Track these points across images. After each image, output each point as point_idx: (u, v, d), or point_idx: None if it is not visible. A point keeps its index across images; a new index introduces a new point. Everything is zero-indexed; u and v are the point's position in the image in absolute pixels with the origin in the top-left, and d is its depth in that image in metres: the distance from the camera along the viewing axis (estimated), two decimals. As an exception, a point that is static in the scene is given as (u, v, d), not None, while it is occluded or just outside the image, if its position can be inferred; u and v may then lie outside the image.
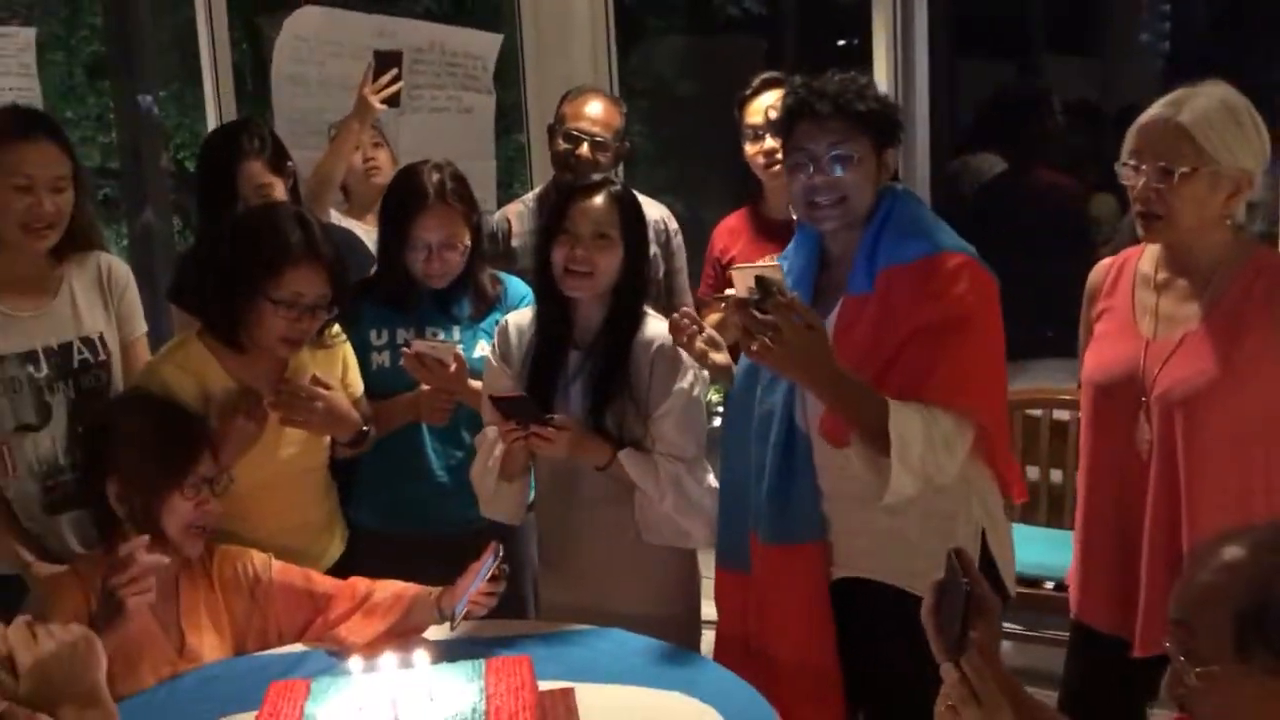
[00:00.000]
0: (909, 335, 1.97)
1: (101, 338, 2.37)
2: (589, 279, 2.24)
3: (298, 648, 2.10)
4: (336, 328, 2.42)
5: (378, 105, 3.12)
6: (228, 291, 2.25)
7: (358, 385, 2.47)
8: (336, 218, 3.00)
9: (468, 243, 2.50)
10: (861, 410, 1.93)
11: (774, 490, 2.09)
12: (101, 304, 2.40)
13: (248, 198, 2.66)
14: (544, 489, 2.39)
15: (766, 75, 3.00)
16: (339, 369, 2.44)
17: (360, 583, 2.20)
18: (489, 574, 2.05)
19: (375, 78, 3.13)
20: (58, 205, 2.25)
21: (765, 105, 2.91)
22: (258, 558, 2.20)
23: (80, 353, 2.34)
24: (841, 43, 6.29)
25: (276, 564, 2.20)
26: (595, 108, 3.06)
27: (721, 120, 3.22)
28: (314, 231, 2.28)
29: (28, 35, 3.25)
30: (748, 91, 3.00)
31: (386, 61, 3.19)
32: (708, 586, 2.38)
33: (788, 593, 2.10)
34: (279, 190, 2.70)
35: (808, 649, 2.09)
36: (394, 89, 3.16)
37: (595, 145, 3.02)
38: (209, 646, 2.09)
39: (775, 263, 2.02)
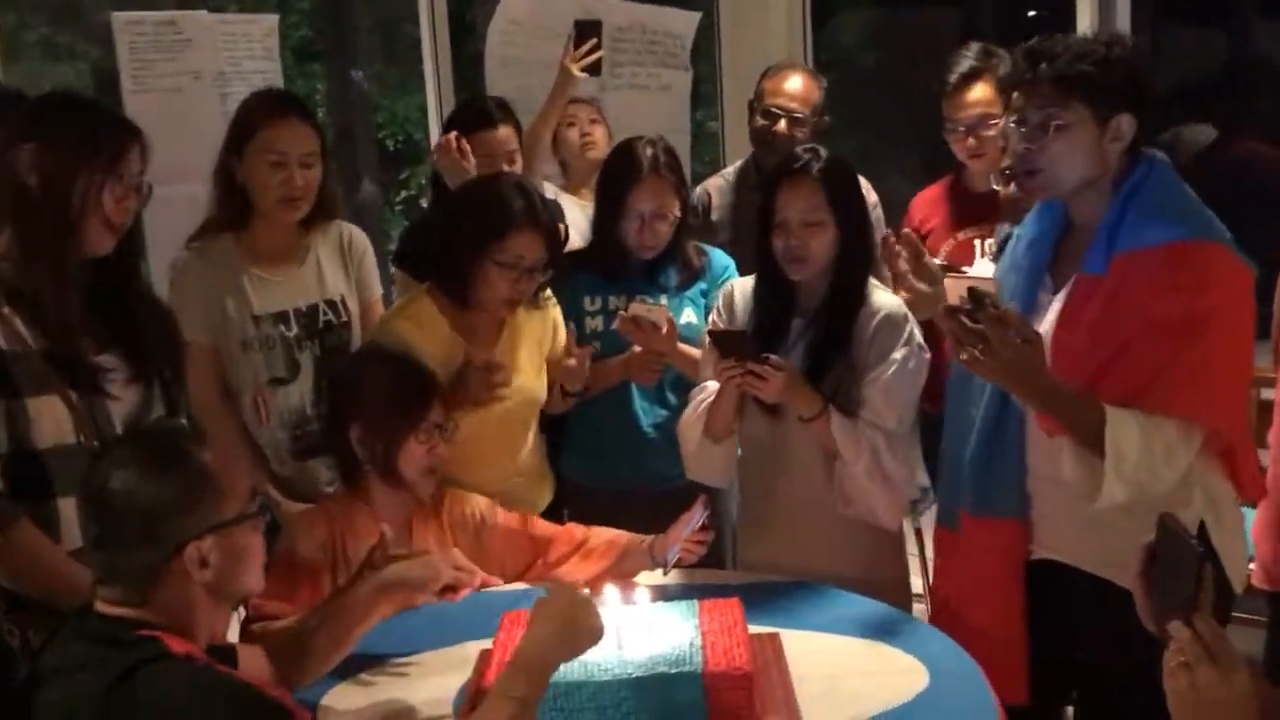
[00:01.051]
0: (1142, 330, 1.88)
1: (343, 300, 2.59)
2: (804, 264, 2.31)
3: (521, 586, 2.27)
4: (548, 291, 2.58)
5: (578, 74, 3.24)
6: (457, 254, 2.42)
7: (561, 344, 2.62)
8: (552, 191, 3.15)
9: (677, 214, 2.62)
10: (1075, 418, 1.88)
11: (978, 461, 2.09)
12: (343, 270, 2.62)
13: (496, 162, 2.82)
14: (749, 454, 2.46)
15: (972, 63, 2.89)
16: (549, 328, 2.60)
17: (576, 528, 2.35)
18: (699, 524, 2.17)
19: (576, 47, 3.25)
20: (308, 179, 2.47)
21: (973, 100, 2.87)
22: (482, 501, 2.36)
23: (325, 314, 2.56)
24: (1032, 13, 6.14)
25: (500, 509, 2.37)
26: (794, 83, 3.13)
27: (910, 93, 3.22)
28: (534, 199, 2.44)
29: (271, 22, 3.54)
30: (952, 78, 2.90)
31: (586, 31, 3.30)
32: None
33: (983, 563, 2.11)
34: (520, 160, 2.90)
35: (997, 621, 2.10)
36: (594, 57, 3.27)
37: (793, 121, 3.09)
38: None
39: (992, 278, 2.02)
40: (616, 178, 2.63)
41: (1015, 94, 2.02)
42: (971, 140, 2.88)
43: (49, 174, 1.90)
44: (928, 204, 3.12)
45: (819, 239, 2.29)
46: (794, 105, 3.09)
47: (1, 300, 1.89)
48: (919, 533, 3.45)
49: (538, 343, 2.58)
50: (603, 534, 2.31)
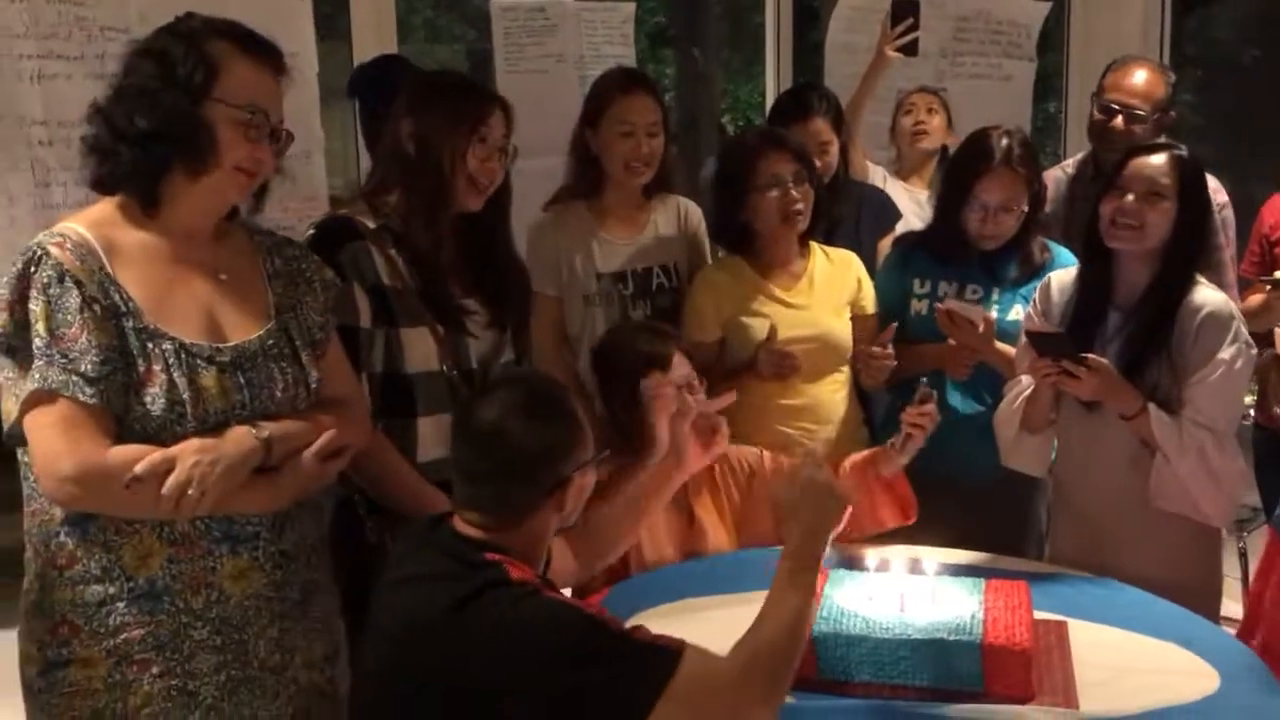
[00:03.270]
0: None
1: (675, 266, 2.80)
2: (1136, 233, 2.25)
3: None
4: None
5: (891, 54, 3.27)
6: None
7: (869, 304, 2.72)
8: (881, 177, 3.23)
9: (1024, 208, 2.60)
10: None
11: None
12: (679, 239, 2.83)
13: (774, 130, 2.92)
14: (1065, 446, 2.45)
15: None
16: (852, 280, 2.73)
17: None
18: (920, 398, 2.25)
19: (893, 25, 3.28)
20: (653, 148, 2.69)
21: None
22: (751, 452, 2.47)
23: (658, 277, 2.78)
24: None
25: (768, 454, 2.47)
26: (1137, 78, 3.03)
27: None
28: None
29: (628, 9, 3.81)
30: None
31: (903, 10, 3.32)
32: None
33: None
34: (835, 149, 3.00)
35: None
36: (909, 38, 3.27)
37: (1131, 117, 3.00)
38: (711, 524, 2.40)
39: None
40: (966, 165, 2.64)
41: None
42: None
43: (424, 142, 2.18)
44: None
45: (1156, 211, 2.25)
46: (1134, 101, 3.00)
47: (389, 243, 2.19)
48: (1243, 554, 3.28)
49: (838, 288, 2.71)
50: (852, 459, 2.40)
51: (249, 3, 3.01)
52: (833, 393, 2.69)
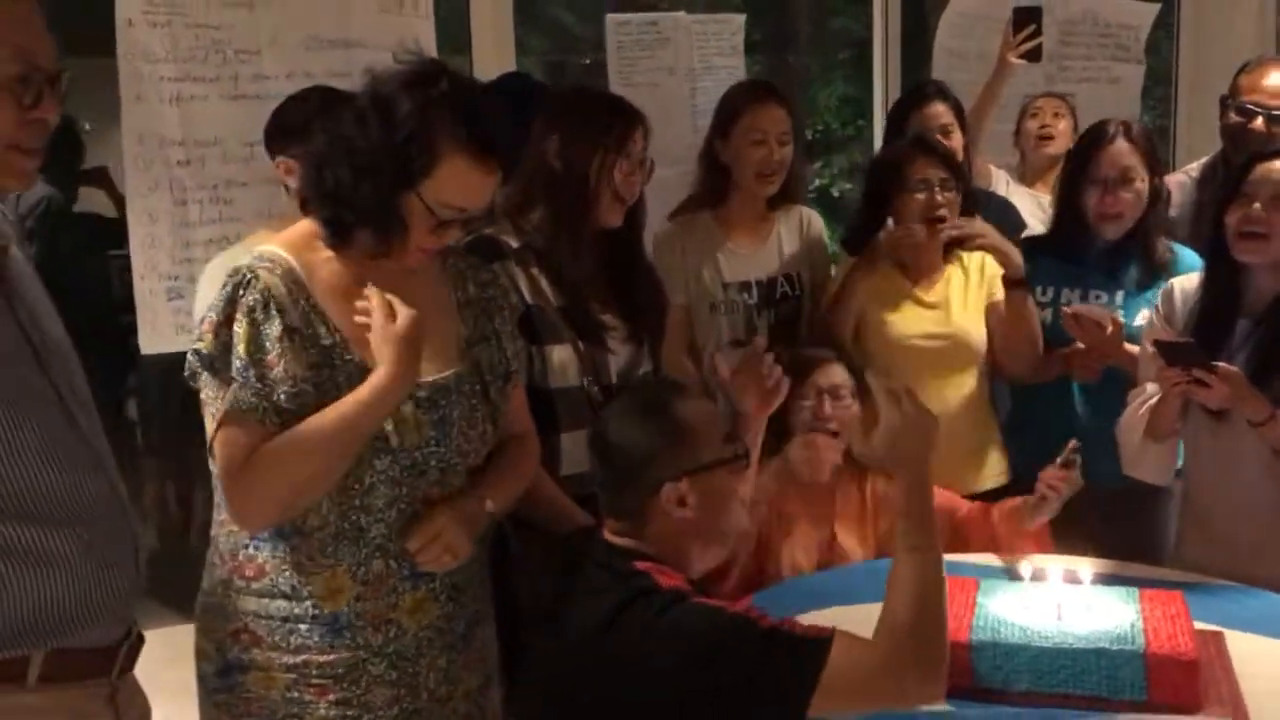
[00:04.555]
0: None
1: (799, 275, 2.83)
2: (1264, 242, 2.23)
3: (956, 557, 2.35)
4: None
5: (1014, 60, 3.28)
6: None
7: (999, 296, 2.71)
8: (1004, 181, 3.23)
9: (1143, 184, 2.60)
10: None
11: None
12: (801, 249, 2.85)
13: (930, 134, 2.98)
14: (1194, 454, 2.42)
15: None
16: (986, 277, 2.73)
17: (979, 506, 2.40)
18: (1063, 461, 2.20)
19: (1016, 33, 3.30)
20: (784, 156, 2.72)
21: None
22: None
23: (782, 286, 2.81)
24: None
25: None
26: (1275, 79, 3.00)
27: None
28: None
29: (738, 21, 3.84)
30: None
31: (1025, 16, 3.33)
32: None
33: None
34: (958, 137, 3.05)
35: None
36: (1032, 44, 3.29)
37: (1271, 119, 2.96)
38: (851, 547, 2.40)
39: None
40: (1083, 146, 2.69)
41: None
42: None
43: (570, 159, 2.20)
44: None
45: None
46: (1275, 103, 2.97)
47: (532, 262, 2.22)
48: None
49: (975, 285, 2.72)
50: (1005, 505, 2.36)
51: (373, 25, 3.15)
52: (970, 405, 2.70)
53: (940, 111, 3.06)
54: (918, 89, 3.20)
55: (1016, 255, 2.64)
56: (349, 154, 1.66)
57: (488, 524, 1.84)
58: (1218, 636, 1.99)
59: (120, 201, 3.93)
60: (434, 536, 1.70)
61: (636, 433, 1.72)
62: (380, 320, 1.65)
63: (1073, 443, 2.25)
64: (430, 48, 3.16)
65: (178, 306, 2.94)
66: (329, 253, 1.72)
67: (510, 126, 2.47)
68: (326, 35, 3.13)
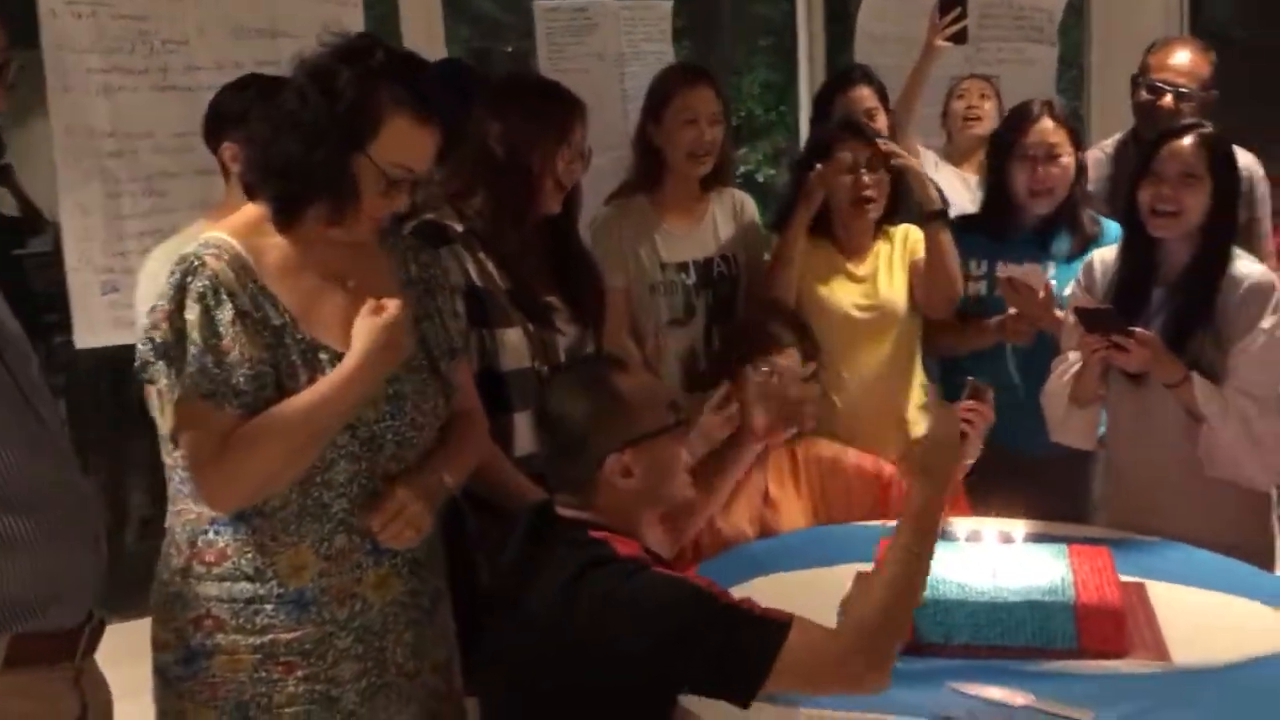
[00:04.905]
0: None
1: (735, 256, 2.89)
2: (1175, 219, 2.35)
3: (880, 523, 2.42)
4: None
5: (941, 44, 3.39)
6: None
7: (920, 248, 2.82)
8: (932, 162, 3.31)
9: (1069, 160, 2.73)
10: None
11: None
12: (736, 230, 2.91)
13: (853, 117, 3.05)
14: (1115, 419, 2.53)
15: None
16: (910, 244, 2.84)
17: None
18: (970, 394, 2.23)
19: (942, 16, 3.40)
20: (715, 136, 2.78)
21: None
22: (834, 447, 2.58)
23: (718, 266, 2.87)
24: None
25: (852, 451, 2.58)
26: (1181, 57, 3.14)
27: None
28: None
29: (665, 7, 3.88)
30: None
31: (950, 0, 3.44)
32: None
33: None
34: (882, 119, 3.13)
35: None
36: (957, 27, 3.40)
37: (1179, 97, 3.10)
38: (787, 508, 2.49)
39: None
40: (1009, 126, 2.82)
41: None
42: None
43: (514, 146, 2.23)
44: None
45: (1193, 195, 2.34)
46: (1181, 80, 3.10)
47: (478, 247, 2.26)
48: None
49: (899, 256, 2.83)
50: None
51: (301, 13, 3.14)
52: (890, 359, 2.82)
53: (865, 95, 3.14)
54: (843, 74, 3.28)
55: (933, 189, 2.77)
56: (295, 127, 1.69)
57: (444, 499, 1.87)
58: (1140, 587, 2.11)
59: (25, 200, 3.89)
60: (395, 513, 1.73)
61: (578, 406, 1.77)
62: (366, 310, 1.69)
63: (971, 379, 2.31)
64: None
65: (113, 300, 2.91)
66: (275, 238, 1.74)
67: (450, 107, 2.51)
68: (254, 24, 3.12)
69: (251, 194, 1.78)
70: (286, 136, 1.69)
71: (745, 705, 1.59)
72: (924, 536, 1.67)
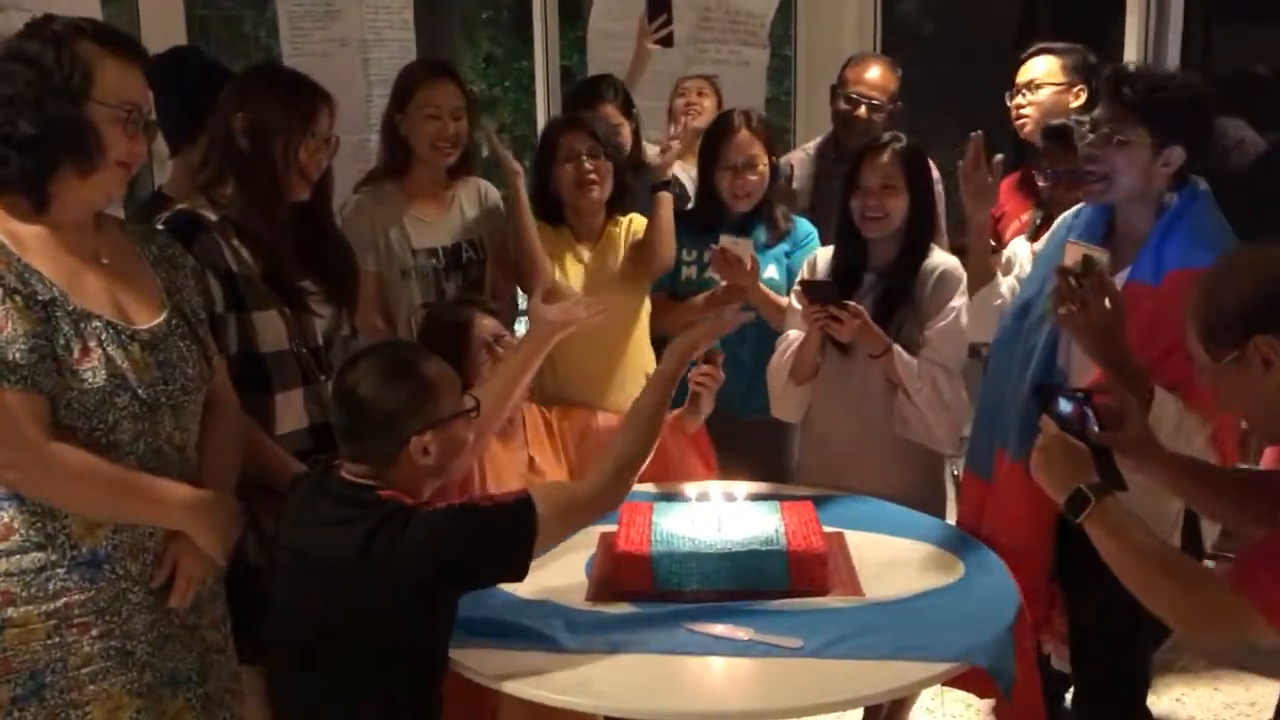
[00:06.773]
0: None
1: (481, 241, 3.06)
2: (882, 222, 2.74)
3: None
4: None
5: (649, 47, 3.70)
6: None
7: (640, 228, 3.09)
8: (656, 155, 3.58)
9: (765, 168, 3.08)
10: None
11: (1026, 417, 2.25)
12: (481, 215, 3.08)
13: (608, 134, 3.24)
14: (822, 387, 2.85)
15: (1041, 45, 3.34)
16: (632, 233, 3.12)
17: None
18: (705, 358, 2.58)
19: (650, 20, 3.70)
20: (458, 130, 2.93)
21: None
22: (583, 412, 2.84)
23: (466, 251, 3.04)
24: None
25: (600, 413, 2.84)
26: (873, 73, 3.55)
27: (968, 69, 3.62)
28: None
29: (405, -6, 3.97)
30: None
31: (658, 7, 3.74)
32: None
33: (1022, 507, 2.35)
34: (627, 130, 3.34)
35: (1029, 555, 2.39)
36: (664, 32, 3.71)
37: (872, 107, 3.51)
38: (549, 468, 2.69)
39: (1105, 249, 2.20)
40: (714, 135, 3.13)
41: (1096, 108, 2.35)
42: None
43: (257, 138, 2.29)
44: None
45: (894, 201, 2.73)
46: (873, 93, 3.52)
47: (232, 234, 2.32)
48: (955, 477, 3.85)
49: (624, 240, 3.10)
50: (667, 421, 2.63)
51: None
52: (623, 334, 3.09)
53: (610, 112, 3.31)
54: (592, 86, 3.46)
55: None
56: (14, 104, 1.75)
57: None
58: (839, 535, 2.44)
59: None
60: (185, 584, 1.90)
61: (388, 392, 1.96)
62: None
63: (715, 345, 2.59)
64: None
65: None
66: (26, 226, 1.79)
67: (192, 95, 2.52)
68: (56, 14, 2.96)
69: None
70: (14, 114, 1.75)
71: (520, 579, 1.94)
72: (666, 396, 2.19)
